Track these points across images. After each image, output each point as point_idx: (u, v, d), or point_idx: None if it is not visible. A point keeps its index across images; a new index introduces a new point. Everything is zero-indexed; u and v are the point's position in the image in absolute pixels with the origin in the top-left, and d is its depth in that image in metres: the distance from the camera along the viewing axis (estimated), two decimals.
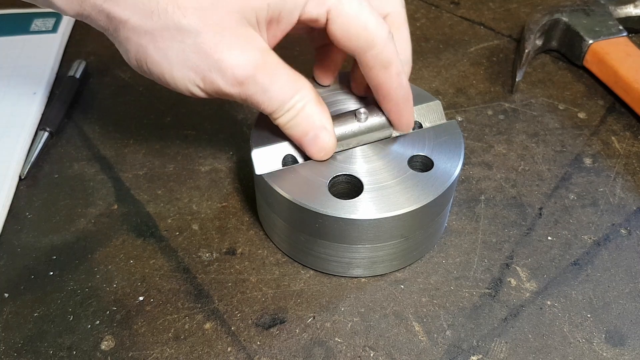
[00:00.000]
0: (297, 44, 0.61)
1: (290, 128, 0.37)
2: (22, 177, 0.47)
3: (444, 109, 0.51)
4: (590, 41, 0.56)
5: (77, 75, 0.55)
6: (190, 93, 0.36)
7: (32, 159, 0.48)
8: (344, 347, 0.37)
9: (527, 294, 0.40)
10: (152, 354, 0.37)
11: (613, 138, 0.51)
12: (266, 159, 0.39)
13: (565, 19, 0.57)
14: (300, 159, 0.39)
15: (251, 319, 0.39)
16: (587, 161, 0.49)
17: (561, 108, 0.54)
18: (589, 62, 0.56)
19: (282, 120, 0.37)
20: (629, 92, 0.52)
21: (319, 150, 0.38)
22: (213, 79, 0.34)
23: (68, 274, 0.41)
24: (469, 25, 0.64)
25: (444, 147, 0.40)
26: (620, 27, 0.57)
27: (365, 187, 0.38)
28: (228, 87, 0.34)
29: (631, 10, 0.60)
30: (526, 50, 0.56)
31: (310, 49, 0.60)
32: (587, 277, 0.41)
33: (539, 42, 0.58)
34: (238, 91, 0.35)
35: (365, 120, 0.39)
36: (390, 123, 0.40)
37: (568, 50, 0.58)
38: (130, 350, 0.37)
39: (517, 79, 0.55)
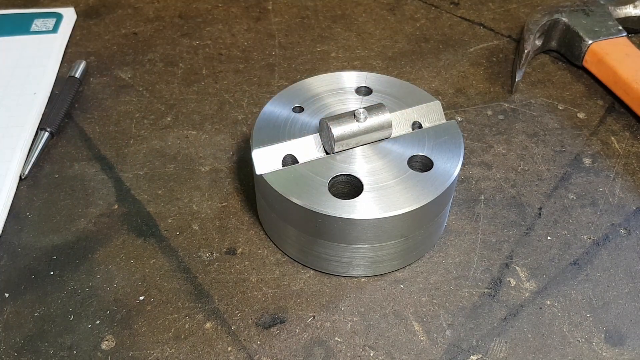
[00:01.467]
0: (297, 45, 0.61)
1: None
2: (23, 177, 0.47)
3: (444, 109, 0.51)
4: (590, 41, 0.56)
5: (77, 75, 0.55)
6: None
7: (33, 159, 0.48)
8: (344, 347, 0.37)
9: (527, 294, 0.40)
10: (153, 353, 0.37)
11: (612, 138, 0.51)
12: (266, 159, 0.39)
13: (564, 19, 0.58)
14: (300, 159, 0.40)
15: (251, 319, 0.39)
16: (587, 161, 0.49)
17: (561, 108, 0.54)
18: (588, 62, 0.56)
19: None
20: (629, 92, 0.52)
21: None
22: None
23: (68, 274, 0.41)
24: (469, 25, 0.64)
25: (443, 147, 0.40)
26: (620, 28, 0.57)
27: (365, 187, 0.38)
28: None
29: (631, 11, 0.60)
30: (525, 51, 0.56)
31: (310, 49, 0.60)
32: (587, 277, 0.41)
33: (538, 43, 0.58)
34: None
35: (364, 120, 0.39)
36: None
37: (567, 51, 0.58)
38: (130, 350, 0.37)
39: (516, 79, 0.55)
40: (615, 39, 0.56)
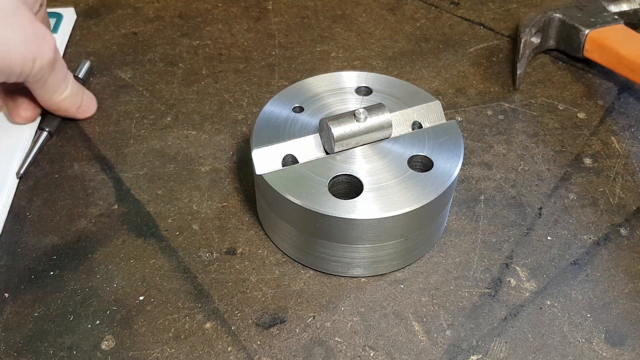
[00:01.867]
0: (297, 45, 0.61)
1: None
2: (19, 176, 0.47)
3: (444, 109, 0.51)
4: (587, 30, 0.55)
5: (82, 75, 0.55)
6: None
7: (29, 159, 0.48)
8: (344, 347, 0.37)
9: (527, 294, 0.40)
10: (153, 353, 0.37)
11: (613, 138, 0.51)
12: (266, 159, 0.39)
13: (558, 15, 0.57)
14: (300, 159, 0.40)
15: (251, 319, 0.39)
16: (587, 161, 0.49)
17: (561, 108, 0.54)
18: (589, 51, 0.56)
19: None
20: (634, 70, 0.52)
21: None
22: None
23: (68, 274, 0.41)
24: (469, 25, 0.64)
25: (443, 147, 0.40)
26: (616, 17, 0.57)
27: (365, 187, 0.38)
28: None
29: (624, 6, 0.60)
30: (523, 40, 0.55)
31: (310, 49, 0.60)
32: (587, 277, 0.41)
33: (535, 41, 0.58)
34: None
35: (364, 120, 0.39)
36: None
37: (567, 45, 0.58)
38: (130, 350, 0.37)
39: (518, 72, 0.55)
40: (613, 26, 0.56)
